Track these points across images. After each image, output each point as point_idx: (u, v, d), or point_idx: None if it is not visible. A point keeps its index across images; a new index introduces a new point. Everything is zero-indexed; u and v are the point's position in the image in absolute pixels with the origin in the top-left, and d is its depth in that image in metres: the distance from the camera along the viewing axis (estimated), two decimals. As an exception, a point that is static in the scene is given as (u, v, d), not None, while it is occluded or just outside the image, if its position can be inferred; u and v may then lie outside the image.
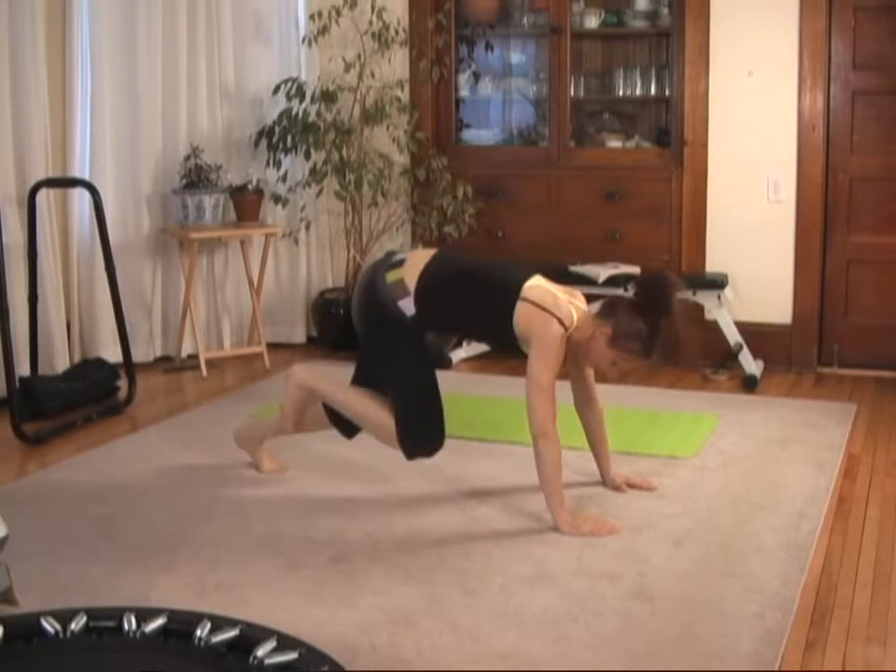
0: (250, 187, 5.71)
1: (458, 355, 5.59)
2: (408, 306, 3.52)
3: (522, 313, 3.41)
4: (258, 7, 5.93)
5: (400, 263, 3.59)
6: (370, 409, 3.62)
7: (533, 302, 3.41)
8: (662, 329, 3.38)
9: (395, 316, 3.53)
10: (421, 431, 3.59)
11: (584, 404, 3.73)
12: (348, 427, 3.74)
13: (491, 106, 6.37)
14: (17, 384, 4.47)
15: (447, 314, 3.57)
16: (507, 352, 3.63)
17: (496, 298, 3.48)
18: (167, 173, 5.61)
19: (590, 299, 3.63)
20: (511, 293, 3.44)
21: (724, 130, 5.56)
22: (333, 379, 3.79)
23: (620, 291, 5.32)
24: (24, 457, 4.25)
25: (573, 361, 3.57)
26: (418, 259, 3.60)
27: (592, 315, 3.48)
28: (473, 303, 3.53)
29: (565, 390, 3.58)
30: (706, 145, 5.60)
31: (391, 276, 3.56)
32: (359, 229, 6.01)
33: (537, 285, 3.48)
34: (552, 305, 3.40)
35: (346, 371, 3.88)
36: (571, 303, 3.46)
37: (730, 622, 2.83)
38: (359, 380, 3.70)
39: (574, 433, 3.69)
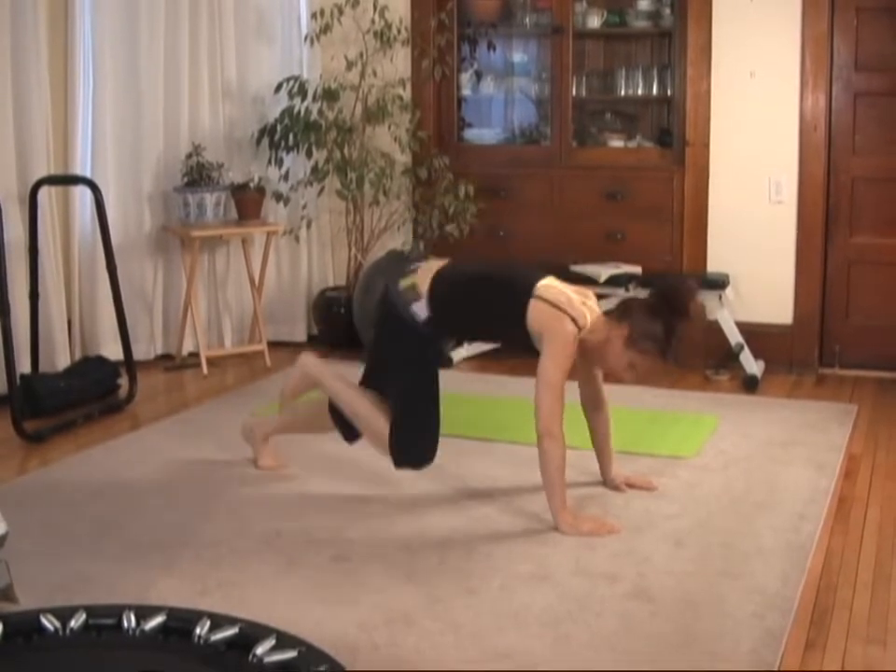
0: (252, 185, 5.71)
1: (459, 354, 5.59)
2: (421, 309, 3.53)
3: (535, 311, 3.42)
4: (260, 4, 5.93)
5: (414, 271, 3.61)
6: (368, 410, 3.64)
7: (547, 301, 3.41)
8: (678, 329, 3.39)
9: (407, 321, 3.54)
10: (413, 443, 3.61)
11: (592, 406, 3.74)
12: (350, 432, 3.75)
13: (493, 106, 6.37)
14: (18, 381, 4.47)
15: (461, 313, 3.58)
16: (520, 351, 3.63)
17: (509, 296, 3.49)
18: (169, 170, 5.60)
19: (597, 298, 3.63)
20: (525, 291, 3.45)
21: (726, 130, 5.56)
22: (338, 375, 3.79)
23: (621, 291, 5.33)
24: (25, 455, 4.25)
25: (583, 362, 3.57)
26: (431, 267, 3.62)
27: (605, 318, 3.48)
28: (487, 302, 3.54)
29: (571, 389, 3.57)
30: (707, 145, 5.59)
31: (404, 282, 3.59)
32: (361, 227, 6.01)
33: (550, 284, 3.49)
34: (565, 304, 3.41)
35: (347, 369, 3.89)
36: (584, 304, 3.47)
37: (730, 622, 2.83)
38: (366, 383, 3.71)
39: (576, 432, 3.68)
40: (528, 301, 3.42)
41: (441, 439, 3.62)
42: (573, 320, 3.39)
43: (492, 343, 3.69)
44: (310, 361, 3.89)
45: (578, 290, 3.53)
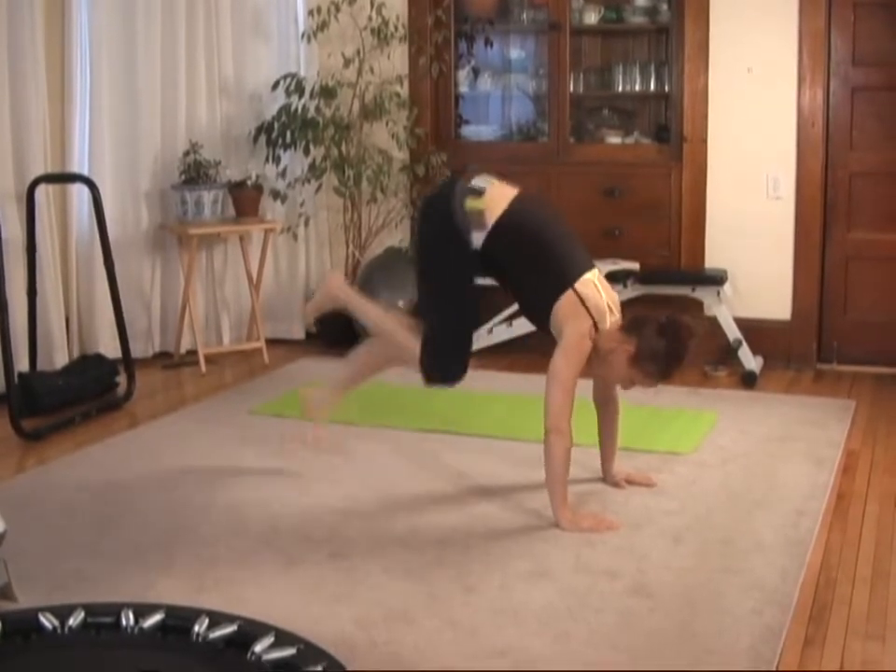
0: (249, 182, 5.71)
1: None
2: (478, 239, 3.53)
3: (566, 301, 3.44)
4: (257, 2, 5.92)
5: (480, 193, 3.57)
6: (396, 326, 3.69)
7: (580, 296, 3.44)
8: (683, 357, 3.44)
9: (462, 243, 3.53)
10: (445, 357, 3.63)
11: (603, 402, 3.77)
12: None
13: (490, 102, 6.37)
14: (16, 379, 4.47)
15: (507, 264, 3.58)
16: (533, 322, 3.69)
17: (553, 275, 3.49)
18: (166, 168, 5.60)
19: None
20: (568, 278, 3.47)
21: (724, 126, 5.56)
22: (362, 297, 3.84)
23: (619, 287, 5.32)
24: (23, 453, 4.25)
25: (597, 362, 3.58)
26: (499, 195, 3.58)
27: (619, 328, 3.49)
28: (532, 269, 3.53)
29: (581, 386, 3.57)
30: (705, 141, 5.59)
31: (470, 203, 3.55)
32: (358, 225, 6.01)
33: (591, 280, 3.50)
34: (593, 306, 3.44)
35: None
36: (610, 310, 3.49)
37: (729, 618, 2.83)
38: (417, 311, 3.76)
39: (577, 429, 3.68)
40: (566, 289, 3.44)
41: (441, 436, 3.62)
42: (594, 324, 3.42)
43: (517, 304, 3.70)
44: (334, 282, 3.89)
45: (610, 295, 3.55)
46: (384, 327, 3.74)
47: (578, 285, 3.45)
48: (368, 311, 3.80)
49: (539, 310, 3.53)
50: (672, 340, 3.40)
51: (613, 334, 3.46)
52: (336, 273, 3.98)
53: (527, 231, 3.56)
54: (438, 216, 3.64)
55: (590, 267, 3.54)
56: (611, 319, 3.48)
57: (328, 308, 3.96)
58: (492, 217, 3.52)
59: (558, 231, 3.62)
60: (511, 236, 3.53)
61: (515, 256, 3.55)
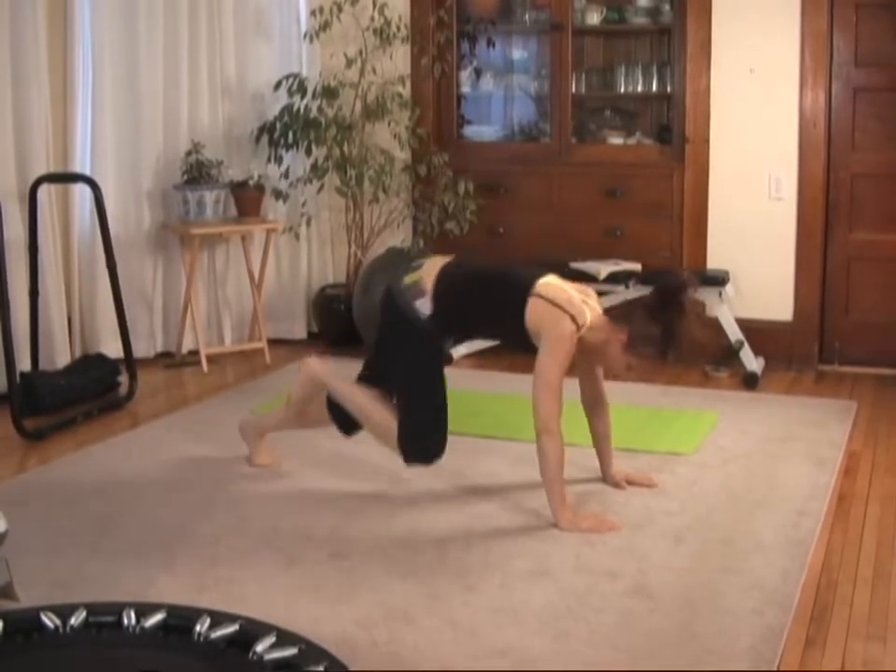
0: (251, 182, 5.71)
1: (459, 351, 5.58)
2: (424, 305, 3.53)
3: (534, 308, 3.42)
4: (259, 2, 5.92)
5: (418, 267, 3.63)
6: (376, 409, 3.65)
7: (546, 298, 3.42)
8: (676, 331, 3.41)
9: (411, 318, 3.55)
10: (422, 439, 3.61)
11: (593, 403, 3.74)
12: (348, 425, 3.75)
13: (492, 103, 6.37)
14: (17, 379, 4.47)
15: (462, 311, 3.58)
16: (520, 349, 3.64)
17: (509, 293, 3.50)
18: (168, 168, 5.60)
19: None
20: (524, 289, 3.45)
21: (726, 127, 5.56)
22: (344, 376, 3.80)
23: (621, 287, 5.33)
24: (24, 453, 4.25)
25: (583, 360, 3.57)
26: (436, 263, 3.63)
27: (606, 318, 3.48)
28: (488, 300, 3.54)
29: (571, 387, 3.58)
30: (707, 141, 5.59)
31: (409, 278, 3.60)
32: (360, 225, 6.01)
33: (551, 282, 3.49)
34: (565, 302, 3.41)
35: (348, 366, 3.88)
36: (585, 303, 3.46)
37: (729, 618, 2.83)
38: (366, 378, 3.71)
39: (575, 430, 3.68)
40: (528, 298, 3.42)
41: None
42: (572, 318, 3.39)
43: (493, 341, 3.68)
44: (314, 365, 3.87)
45: (579, 288, 3.53)
46: (363, 408, 3.68)
47: (538, 290, 3.43)
48: (347, 392, 3.73)
49: (515, 333, 3.50)
50: (663, 318, 3.38)
51: (602, 325, 3.44)
52: (311, 357, 3.97)
53: (464, 275, 3.59)
54: (386, 310, 3.65)
55: (544, 273, 3.53)
56: (592, 313, 3.45)
57: (312, 395, 3.87)
58: (429, 282, 3.54)
59: (498, 265, 3.67)
60: (453, 287, 3.55)
61: (465, 300, 3.55)
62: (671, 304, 3.40)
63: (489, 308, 3.55)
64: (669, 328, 3.39)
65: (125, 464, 4.07)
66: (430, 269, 3.59)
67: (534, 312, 3.42)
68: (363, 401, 3.68)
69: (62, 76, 5.22)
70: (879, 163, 5.40)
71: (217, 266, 5.90)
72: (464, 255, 3.75)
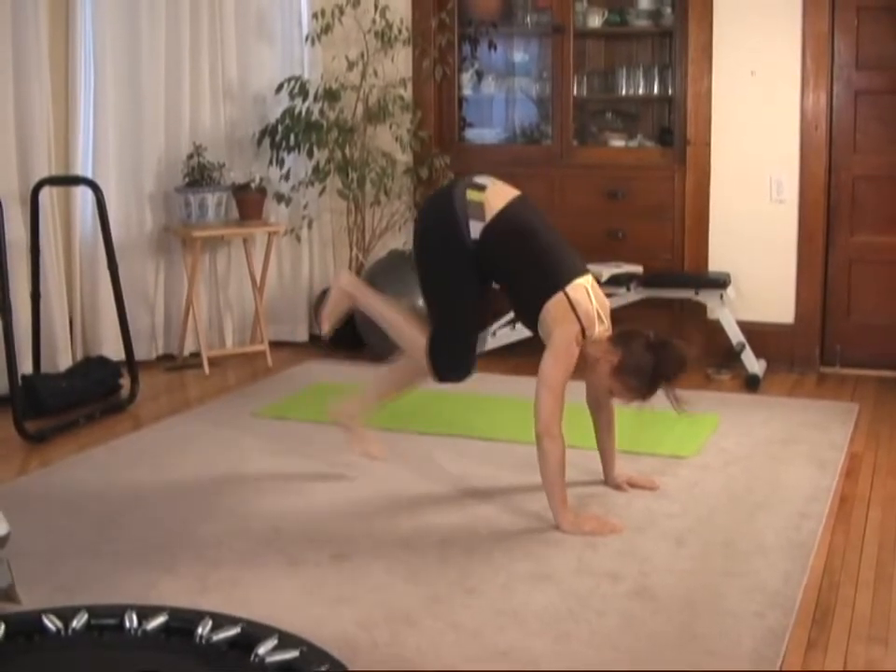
0: (253, 185, 5.71)
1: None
2: (476, 230, 3.54)
3: (555, 304, 3.44)
4: (261, 5, 5.93)
5: (482, 188, 3.61)
6: (406, 323, 3.70)
7: (570, 300, 3.43)
8: (666, 375, 3.41)
9: (461, 231, 3.54)
10: (452, 355, 3.63)
11: (597, 405, 3.75)
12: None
13: (494, 105, 6.37)
14: (19, 381, 4.47)
15: (501, 260, 3.57)
16: (524, 324, 3.68)
17: (545, 275, 3.50)
18: (170, 171, 5.61)
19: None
20: (559, 281, 3.46)
21: (727, 129, 5.56)
22: (375, 292, 3.85)
23: (622, 290, 5.33)
24: (26, 455, 4.25)
25: (585, 368, 3.57)
26: (500, 192, 3.62)
27: (607, 340, 3.48)
28: (526, 269, 3.54)
29: (574, 390, 3.58)
30: (708, 144, 5.59)
31: (472, 195, 3.58)
32: (362, 227, 6.02)
33: (581, 286, 3.49)
34: (583, 312, 3.43)
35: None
36: (600, 318, 3.48)
37: (731, 621, 2.83)
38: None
39: (577, 432, 3.68)
40: (556, 292, 3.44)
41: (443, 439, 3.61)
42: (582, 329, 3.42)
43: (509, 301, 3.68)
44: (345, 279, 3.89)
45: (601, 302, 3.54)
46: (394, 323, 3.74)
47: (569, 289, 3.45)
48: (379, 307, 3.80)
49: (530, 310, 3.52)
50: (658, 358, 3.39)
51: (601, 344, 3.46)
52: (344, 270, 3.98)
53: (524, 229, 3.57)
54: (439, 207, 3.67)
55: (583, 272, 3.54)
56: (600, 327, 3.47)
57: (343, 309, 3.90)
58: (491, 211, 3.54)
59: (554, 236, 3.63)
60: (508, 232, 3.54)
61: (510, 252, 3.55)
62: (671, 359, 3.41)
63: (523, 278, 3.55)
64: (661, 367, 3.39)
65: (127, 466, 4.07)
66: (493, 196, 3.58)
67: (553, 307, 3.44)
68: (394, 315, 3.74)
69: (63, 78, 5.23)
70: (881, 165, 5.41)
71: (219, 269, 5.91)
72: (526, 199, 3.67)
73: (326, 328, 3.88)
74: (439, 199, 3.73)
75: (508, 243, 3.55)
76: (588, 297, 3.48)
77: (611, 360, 3.41)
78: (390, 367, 3.95)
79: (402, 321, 3.73)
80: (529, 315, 3.54)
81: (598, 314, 3.48)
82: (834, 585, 3.08)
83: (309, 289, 6.16)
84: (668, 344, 3.44)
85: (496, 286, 3.67)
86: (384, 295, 3.79)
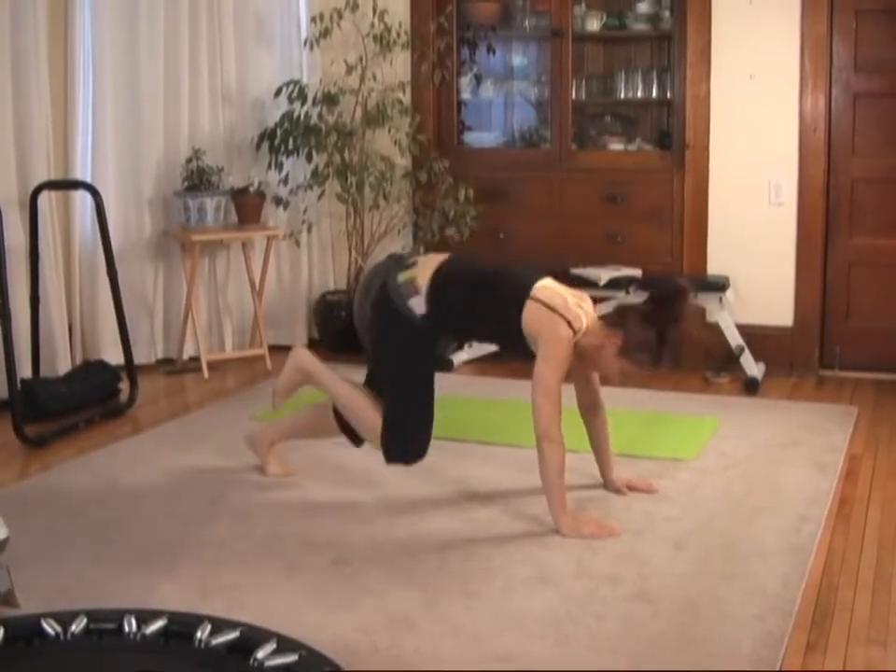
0: (252, 189, 5.72)
1: (460, 357, 5.59)
2: (419, 305, 3.52)
3: (530, 312, 3.42)
4: (259, 9, 5.94)
5: (412, 265, 3.61)
6: (360, 403, 3.65)
7: (542, 302, 3.41)
8: (672, 337, 3.41)
9: (404, 316, 3.54)
10: (405, 440, 3.61)
11: (589, 408, 3.74)
12: (357, 436, 3.75)
13: (493, 109, 6.38)
14: (19, 386, 4.47)
15: (458, 311, 3.56)
16: (515, 352, 3.63)
17: (506, 296, 3.48)
18: (169, 175, 5.61)
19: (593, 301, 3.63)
20: (522, 292, 3.44)
21: (726, 132, 5.56)
22: (331, 370, 3.81)
23: (622, 294, 5.33)
24: (26, 459, 4.25)
25: (578, 365, 3.56)
26: (430, 262, 3.62)
27: (601, 323, 3.47)
28: (484, 301, 3.53)
29: (570, 393, 3.58)
30: (707, 147, 5.60)
31: (403, 276, 3.58)
32: (361, 231, 6.02)
33: (547, 286, 3.49)
34: (561, 307, 3.40)
35: (348, 372, 3.88)
36: (580, 307, 3.46)
37: (731, 624, 2.83)
38: (368, 382, 3.71)
39: (575, 436, 3.68)
40: (525, 302, 3.42)
41: (443, 442, 3.62)
42: (568, 323, 3.39)
43: (489, 344, 3.67)
44: (302, 355, 3.88)
45: (574, 293, 3.52)
46: (348, 402, 3.69)
47: (535, 293, 3.43)
48: (334, 384, 3.75)
49: (512, 336, 3.49)
50: (658, 324, 3.38)
51: (596, 330, 3.44)
52: (301, 347, 3.98)
53: (463, 274, 3.59)
54: (378, 303, 3.64)
55: (540, 277, 3.52)
56: (588, 318, 3.45)
57: (297, 385, 3.90)
58: (424, 281, 3.53)
59: (494, 266, 3.65)
60: (449, 287, 3.53)
61: (462, 299, 3.54)
62: (667, 310, 3.41)
63: (486, 312, 3.54)
64: (665, 333, 3.38)
65: (126, 471, 4.07)
66: (424, 267, 3.58)
67: (530, 316, 3.42)
68: (349, 395, 3.69)
69: (62, 82, 5.23)
70: (880, 168, 5.41)
71: (218, 273, 5.91)
72: (458, 254, 3.71)
73: (279, 402, 3.91)
74: (377, 294, 3.65)
75: (455, 296, 3.53)
76: (557, 292, 3.47)
77: (615, 342, 3.40)
78: (307, 413, 3.93)
79: (357, 399, 3.67)
80: (515, 341, 3.50)
81: (578, 304, 3.46)
82: (834, 588, 3.08)
83: (308, 293, 6.16)
84: (661, 304, 3.41)
85: (471, 341, 3.66)
86: (337, 374, 3.77)
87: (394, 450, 3.61)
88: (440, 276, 3.54)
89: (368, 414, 3.63)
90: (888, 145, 5.38)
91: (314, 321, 6.15)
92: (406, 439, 3.61)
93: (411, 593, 3.02)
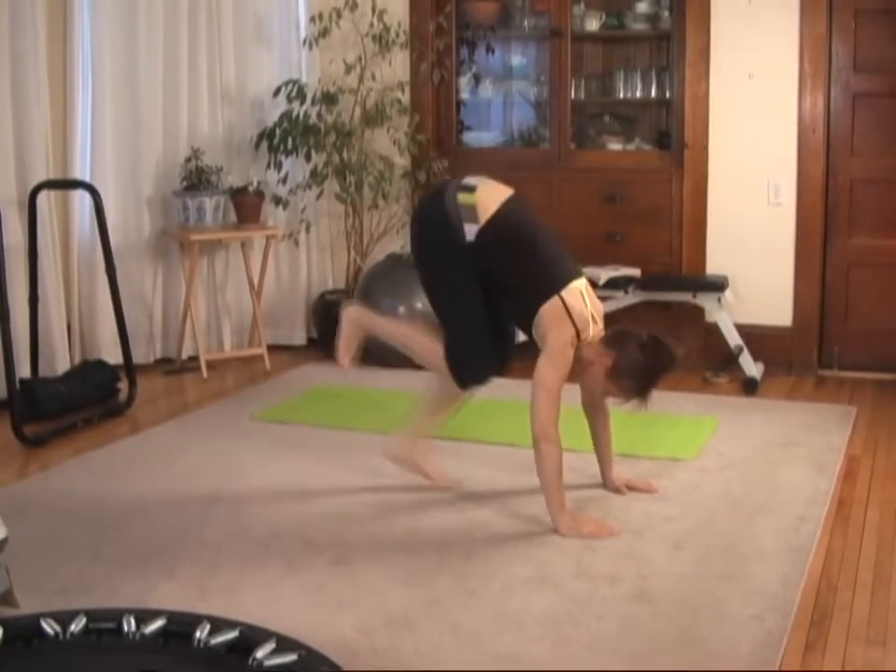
0: (251, 189, 5.71)
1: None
2: (471, 232, 3.52)
3: (551, 307, 3.44)
4: (258, 8, 5.94)
5: (473, 189, 3.60)
6: (421, 337, 3.70)
7: (565, 304, 3.44)
8: (659, 378, 3.46)
9: (456, 235, 3.53)
10: (470, 357, 3.62)
11: (593, 408, 3.76)
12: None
13: (492, 109, 6.38)
14: (17, 385, 4.47)
15: (496, 262, 3.56)
16: (517, 325, 3.68)
17: (540, 279, 3.50)
18: (168, 174, 5.61)
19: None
20: (555, 284, 3.47)
21: (725, 132, 5.57)
22: (386, 317, 3.88)
23: (620, 293, 5.34)
24: (25, 459, 4.25)
25: (579, 370, 3.58)
26: (491, 192, 3.61)
27: (600, 341, 3.49)
28: (521, 270, 3.54)
29: (570, 393, 3.58)
30: (706, 147, 5.60)
31: (463, 198, 3.57)
32: (360, 231, 6.02)
33: (578, 289, 3.50)
34: (577, 315, 3.44)
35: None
36: (594, 320, 3.49)
37: (730, 624, 2.83)
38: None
39: (574, 435, 3.68)
40: (552, 296, 3.44)
41: (442, 443, 3.60)
42: (577, 332, 3.43)
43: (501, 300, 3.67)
44: (354, 311, 3.86)
45: (595, 306, 3.54)
46: (409, 341, 3.74)
47: (565, 293, 3.45)
48: (392, 329, 3.80)
49: (525, 314, 3.52)
50: (651, 358, 3.42)
51: (594, 346, 3.47)
52: (352, 304, 3.95)
53: (519, 230, 3.57)
54: (431, 214, 3.66)
55: (578, 275, 3.55)
56: (594, 330, 3.49)
57: (357, 341, 3.85)
58: (485, 213, 3.53)
59: (548, 238, 3.63)
60: (503, 236, 3.54)
61: (506, 256, 3.54)
62: (664, 355, 3.45)
63: (519, 281, 3.55)
64: (654, 371, 3.43)
65: (125, 470, 4.07)
66: (485, 197, 3.57)
67: (549, 311, 3.44)
68: (407, 331, 3.76)
69: (61, 81, 5.23)
70: (879, 168, 5.41)
71: (217, 272, 5.91)
72: (517, 197, 3.67)
73: (345, 362, 3.85)
74: (430, 205, 3.71)
75: (503, 247, 3.54)
76: (583, 300, 3.49)
77: (605, 362, 3.43)
78: (427, 397, 3.90)
79: (416, 337, 3.73)
80: (524, 319, 3.54)
81: (592, 316, 3.49)
82: (833, 588, 3.08)
83: (307, 293, 6.16)
84: (660, 343, 3.46)
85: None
86: (392, 316, 3.77)
87: (463, 373, 3.62)
88: (500, 220, 3.53)
89: (431, 347, 3.64)
90: (887, 145, 5.38)
91: (312, 321, 6.15)
92: (469, 362, 3.61)
93: (410, 592, 3.02)
